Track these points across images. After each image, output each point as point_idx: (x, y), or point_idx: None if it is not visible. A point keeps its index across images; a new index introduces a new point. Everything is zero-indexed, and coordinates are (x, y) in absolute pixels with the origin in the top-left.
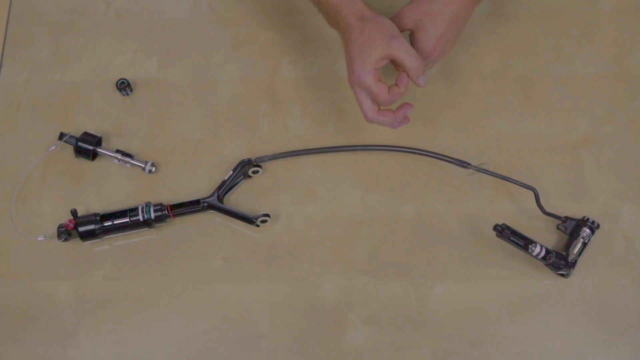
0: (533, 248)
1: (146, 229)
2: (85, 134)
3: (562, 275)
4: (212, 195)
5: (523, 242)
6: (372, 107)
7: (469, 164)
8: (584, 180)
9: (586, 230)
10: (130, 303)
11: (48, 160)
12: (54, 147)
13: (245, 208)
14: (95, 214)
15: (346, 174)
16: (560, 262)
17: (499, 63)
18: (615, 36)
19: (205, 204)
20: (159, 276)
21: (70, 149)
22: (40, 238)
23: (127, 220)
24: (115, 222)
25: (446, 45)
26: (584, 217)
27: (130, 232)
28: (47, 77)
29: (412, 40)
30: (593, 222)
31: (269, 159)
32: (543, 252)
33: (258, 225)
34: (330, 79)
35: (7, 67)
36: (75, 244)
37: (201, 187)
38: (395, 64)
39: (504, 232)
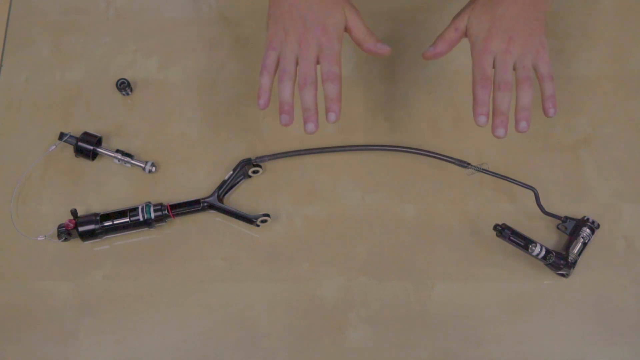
0: (533, 248)
1: (146, 229)
2: (85, 134)
3: (562, 275)
4: (212, 195)
5: (523, 242)
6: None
7: (469, 164)
8: (584, 180)
9: (586, 230)
10: (130, 303)
11: (48, 160)
12: (54, 147)
13: (245, 208)
14: (95, 214)
15: (346, 174)
16: (560, 262)
17: None
18: (615, 36)
19: (205, 204)
20: (159, 276)
21: (70, 149)
22: (40, 238)
23: (127, 220)
24: (115, 222)
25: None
26: (584, 217)
27: (130, 232)
28: (47, 77)
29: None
30: (593, 222)
31: (269, 159)
32: (543, 252)
33: (258, 225)
34: None
35: (7, 67)
36: (75, 244)
37: (201, 187)
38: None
39: (504, 232)
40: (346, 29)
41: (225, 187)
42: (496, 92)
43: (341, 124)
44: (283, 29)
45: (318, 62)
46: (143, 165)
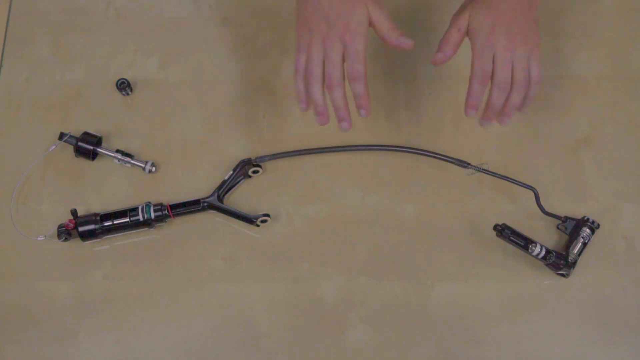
0: (533, 248)
1: (146, 229)
2: (85, 134)
3: (562, 275)
4: (212, 195)
5: (523, 242)
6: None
7: (469, 164)
8: (584, 180)
9: (586, 230)
10: (130, 303)
11: (48, 160)
12: (54, 147)
13: (245, 208)
14: (95, 214)
15: (346, 174)
16: (560, 262)
17: None
18: (615, 36)
19: (205, 204)
20: (159, 276)
21: (70, 149)
22: (40, 238)
23: (127, 220)
24: (115, 222)
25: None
26: (584, 217)
27: (130, 232)
28: (47, 76)
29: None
30: (593, 222)
31: (269, 159)
32: (543, 252)
33: (258, 225)
34: None
35: (7, 67)
36: (75, 244)
37: (201, 187)
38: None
39: (504, 232)
40: (370, 24)
41: (225, 187)
42: (495, 89)
43: None
44: (309, 30)
45: (344, 60)
46: (143, 165)
